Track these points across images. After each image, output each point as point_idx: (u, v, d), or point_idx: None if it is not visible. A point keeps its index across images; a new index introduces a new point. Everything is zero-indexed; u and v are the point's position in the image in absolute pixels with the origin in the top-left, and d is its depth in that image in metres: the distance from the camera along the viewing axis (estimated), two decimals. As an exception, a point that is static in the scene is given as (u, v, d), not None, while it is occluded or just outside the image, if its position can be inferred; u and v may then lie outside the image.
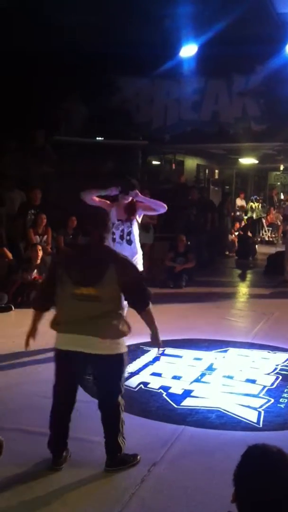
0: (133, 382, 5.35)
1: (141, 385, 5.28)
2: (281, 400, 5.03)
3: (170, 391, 5.15)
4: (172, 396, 5.04)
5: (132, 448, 3.84)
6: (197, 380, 5.47)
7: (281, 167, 20.99)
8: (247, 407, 4.83)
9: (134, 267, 3.85)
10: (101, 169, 12.16)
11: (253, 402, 4.95)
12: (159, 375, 5.60)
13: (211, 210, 14.44)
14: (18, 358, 5.89)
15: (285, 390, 5.28)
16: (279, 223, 18.46)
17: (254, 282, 12.14)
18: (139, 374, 5.60)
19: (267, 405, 4.90)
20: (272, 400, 5.01)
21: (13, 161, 11.60)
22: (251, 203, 19.89)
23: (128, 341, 6.35)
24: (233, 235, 16.46)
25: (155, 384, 5.33)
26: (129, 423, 3.90)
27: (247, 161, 19.15)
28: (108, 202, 6.19)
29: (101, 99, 13.66)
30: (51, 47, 11.17)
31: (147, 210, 6.32)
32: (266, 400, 5.00)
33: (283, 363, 6.10)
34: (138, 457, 3.83)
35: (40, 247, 9.13)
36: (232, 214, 17.56)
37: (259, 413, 4.72)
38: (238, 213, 18.83)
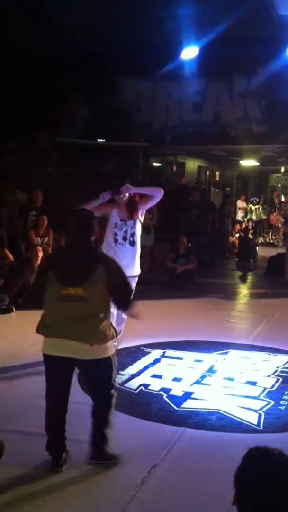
0: (133, 384, 5.35)
1: (142, 387, 5.27)
2: (281, 402, 5.02)
3: (170, 393, 5.14)
4: (172, 398, 5.03)
5: (132, 449, 3.83)
6: (197, 382, 5.46)
7: (282, 169, 21.03)
8: (247, 409, 4.83)
9: (121, 269, 3.87)
10: (102, 170, 12.16)
11: (254, 404, 4.94)
12: (159, 377, 5.59)
13: (212, 212, 14.47)
14: (18, 359, 5.89)
15: (286, 392, 5.27)
16: (280, 225, 18.49)
17: (254, 284, 12.14)
18: (140, 376, 5.59)
19: (267, 407, 4.89)
20: (273, 402, 5.00)
21: (14, 161, 11.61)
22: (250, 205, 19.91)
23: (129, 342, 6.40)
24: (234, 237, 16.48)
25: (155, 386, 5.32)
26: (129, 425, 3.90)
27: (248, 163, 19.17)
28: (108, 204, 6.02)
29: (102, 99, 13.67)
30: (51, 47, 11.18)
31: (147, 201, 6.02)
32: (266, 402, 4.99)
33: (283, 365, 6.09)
34: (117, 458, 3.80)
35: (40, 248, 9.12)
36: (233, 216, 17.58)
37: (260, 415, 4.72)
38: (241, 215, 18.83)
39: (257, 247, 15.69)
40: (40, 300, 3.77)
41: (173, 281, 10.43)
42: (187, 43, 12.57)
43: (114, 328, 3.83)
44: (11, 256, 9.14)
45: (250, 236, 15.81)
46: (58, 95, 12.64)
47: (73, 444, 3.83)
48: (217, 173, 21.05)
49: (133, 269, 5.88)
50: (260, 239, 18.68)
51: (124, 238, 5.90)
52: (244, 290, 11.40)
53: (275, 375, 5.73)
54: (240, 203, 19.27)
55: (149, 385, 5.34)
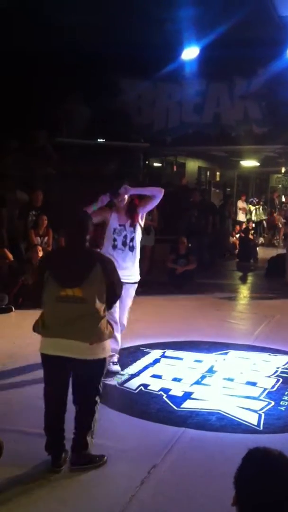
0: (133, 384, 5.34)
1: (141, 387, 5.27)
2: (281, 403, 5.01)
3: (170, 393, 5.14)
4: (172, 398, 5.02)
5: (132, 449, 3.83)
6: (197, 382, 5.45)
7: (283, 170, 21.03)
8: (247, 409, 4.82)
9: (116, 271, 3.86)
10: (102, 170, 12.17)
11: (254, 404, 4.94)
12: (159, 377, 5.58)
13: (212, 212, 14.46)
14: (18, 359, 5.89)
15: (286, 393, 5.26)
16: (281, 226, 18.48)
17: (255, 284, 12.14)
18: (139, 376, 5.59)
19: (267, 407, 4.88)
20: (273, 403, 4.99)
21: (14, 161, 11.61)
22: (250, 205, 19.91)
23: (128, 342, 6.40)
24: (234, 238, 16.47)
25: (155, 386, 5.31)
26: (129, 425, 3.89)
27: (249, 163, 19.18)
28: (106, 208, 5.76)
29: (102, 100, 13.68)
30: (51, 47, 11.19)
31: (147, 203, 5.75)
32: (266, 403, 4.98)
33: (283, 365, 6.08)
34: (105, 458, 3.80)
35: (40, 248, 9.13)
36: (233, 216, 17.57)
37: (260, 415, 4.71)
38: (243, 215, 18.80)
39: (257, 248, 15.69)
40: (39, 300, 3.78)
41: (173, 282, 10.43)
42: (188, 44, 12.58)
43: (112, 327, 3.83)
44: (11, 256, 9.15)
45: (251, 236, 15.80)
46: (58, 95, 12.64)
47: (73, 444, 3.83)
48: (218, 173, 21.05)
49: (133, 276, 5.68)
50: (261, 240, 18.68)
51: (124, 244, 5.63)
52: (244, 291, 11.40)
53: (275, 376, 5.73)
54: (241, 204, 19.27)
55: (148, 385, 5.33)
